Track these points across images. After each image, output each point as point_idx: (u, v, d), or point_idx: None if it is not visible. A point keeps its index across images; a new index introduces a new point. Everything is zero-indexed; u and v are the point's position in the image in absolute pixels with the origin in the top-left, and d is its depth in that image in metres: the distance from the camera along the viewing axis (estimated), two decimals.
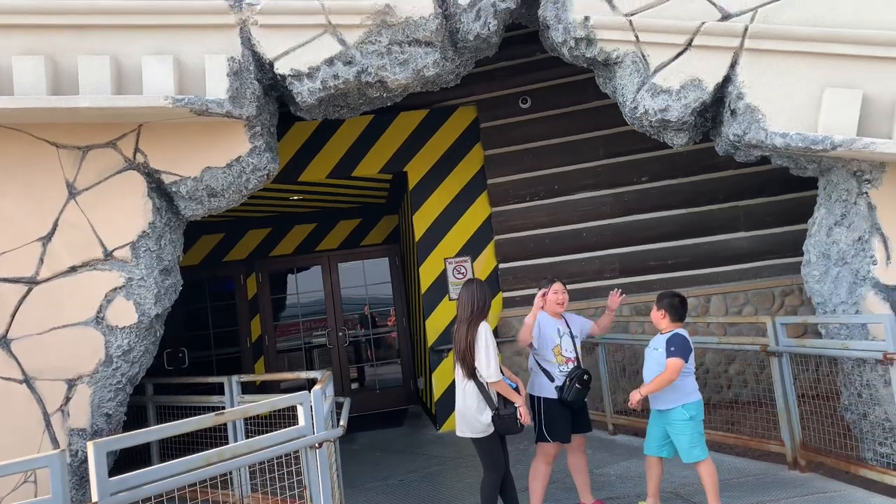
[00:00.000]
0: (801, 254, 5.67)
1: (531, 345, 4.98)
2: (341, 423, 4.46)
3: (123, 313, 5.41)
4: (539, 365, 5.00)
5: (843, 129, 4.83)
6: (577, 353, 5.03)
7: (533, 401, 4.96)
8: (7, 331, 5.27)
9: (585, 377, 4.91)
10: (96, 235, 5.43)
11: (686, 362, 4.70)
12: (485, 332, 4.56)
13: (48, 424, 5.28)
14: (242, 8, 5.31)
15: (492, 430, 4.55)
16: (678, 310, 4.87)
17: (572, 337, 5.06)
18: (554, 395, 4.90)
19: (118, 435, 3.46)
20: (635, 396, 4.75)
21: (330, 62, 5.40)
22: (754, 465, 5.92)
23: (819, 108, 4.96)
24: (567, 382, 4.87)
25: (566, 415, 4.93)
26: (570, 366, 4.97)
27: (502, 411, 4.51)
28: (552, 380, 4.93)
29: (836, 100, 4.87)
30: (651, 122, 5.42)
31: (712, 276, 8.31)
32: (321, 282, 11.64)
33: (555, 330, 5.01)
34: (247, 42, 5.36)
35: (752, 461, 6.03)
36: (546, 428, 4.92)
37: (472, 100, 8.92)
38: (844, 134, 4.81)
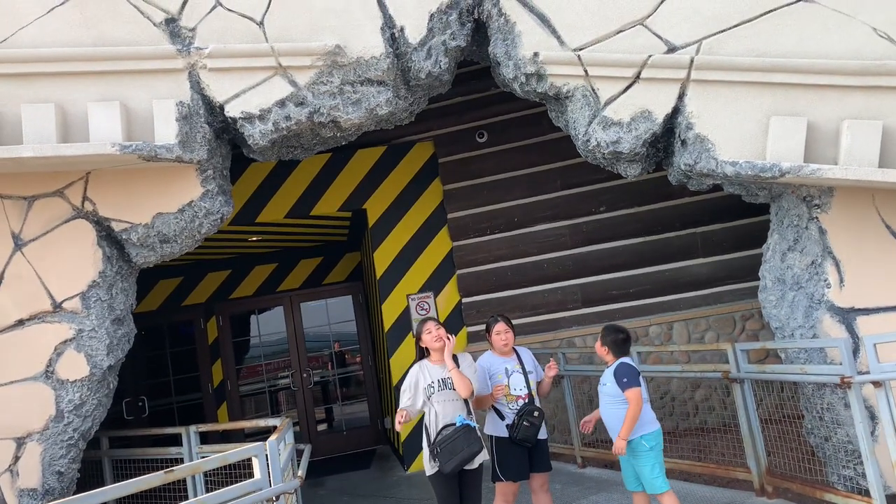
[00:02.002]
0: (759, 278, 5.72)
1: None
2: (299, 473, 4.33)
3: (74, 366, 5.25)
4: (492, 405, 4.95)
5: (791, 156, 4.91)
6: (529, 389, 4.96)
7: (489, 441, 4.89)
8: None
9: (535, 413, 4.83)
10: (44, 287, 5.27)
11: (639, 388, 4.68)
12: (409, 374, 4.73)
13: None
14: (190, 52, 5.26)
15: (434, 469, 4.49)
16: (620, 346, 4.87)
17: (524, 373, 5.00)
18: (505, 433, 4.84)
19: (66, 499, 3.31)
20: (619, 445, 4.65)
21: (281, 104, 5.36)
22: (722, 494, 5.89)
23: (767, 136, 5.04)
24: (516, 420, 4.81)
25: (520, 452, 4.86)
26: (521, 403, 4.90)
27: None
28: (503, 418, 4.87)
29: (782, 127, 4.96)
30: (604, 154, 5.47)
31: (674, 302, 8.36)
32: (284, 322, 11.47)
33: (502, 370, 4.96)
34: (196, 86, 5.30)
35: (720, 489, 6.01)
36: (499, 466, 4.85)
37: (429, 135, 8.94)
38: (791, 161, 4.89)
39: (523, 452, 4.87)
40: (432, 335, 4.73)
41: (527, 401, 4.92)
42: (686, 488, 6.09)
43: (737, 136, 5.11)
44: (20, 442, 5.14)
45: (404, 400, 4.67)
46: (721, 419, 7.29)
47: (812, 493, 5.22)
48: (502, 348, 5.04)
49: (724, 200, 8.01)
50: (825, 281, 5.16)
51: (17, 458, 5.12)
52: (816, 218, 5.20)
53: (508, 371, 4.96)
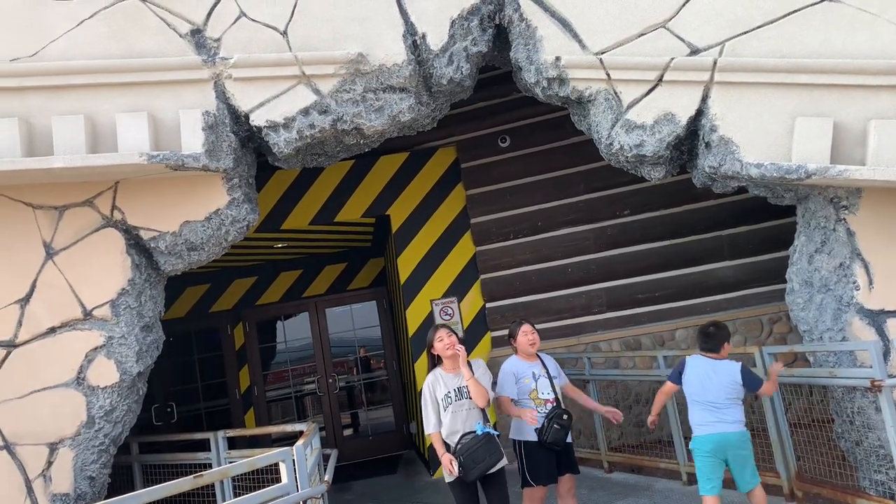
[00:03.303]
0: (785, 281, 5.66)
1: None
2: (326, 477, 4.37)
3: (105, 373, 5.33)
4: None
5: (817, 158, 4.86)
6: (555, 393, 4.96)
7: (514, 446, 4.87)
8: None
9: (565, 416, 4.83)
10: (75, 295, 5.37)
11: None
12: (425, 387, 4.70)
13: (30, 491, 5.16)
14: (216, 62, 5.34)
15: (452, 478, 4.49)
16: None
17: (550, 378, 4.99)
18: (534, 437, 4.83)
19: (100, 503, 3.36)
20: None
21: (305, 112, 5.42)
22: None
23: (792, 137, 5.00)
24: (546, 424, 4.79)
25: (549, 457, 4.85)
26: (549, 406, 4.89)
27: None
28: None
29: (807, 128, 4.91)
30: (627, 157, 5.45)
31: (700, 306, 8.29)
32: (309, 328, 11.55)
33: (529, 374, 4.95)
34: (221, 95, 5.37)
35: None
36: (529, 472, 4.83)
37: (451, 141, 8.97)
38: (818, 162, 4.84)
39: (551, 456, 4.86)
40: (444, 343, 4.68)
41: (554, 404, 4.91)
42: None
43: (762, 138, 5.07)
44: (53, 447, 5.23)
45: (432, 423, 4.61)
46: (749, 423, 7.19)
47: (843, 499, 5.14)
48: (529, 349, 5.03)
49: (750, 202, 7.93)
50: (854, 283, 5.09)
51: (49, 464, 5.21)
52: (844, 219, 5.14)
53: (535, 375, 4.95)
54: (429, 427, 4.63)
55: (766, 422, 5.72)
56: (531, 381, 4.93)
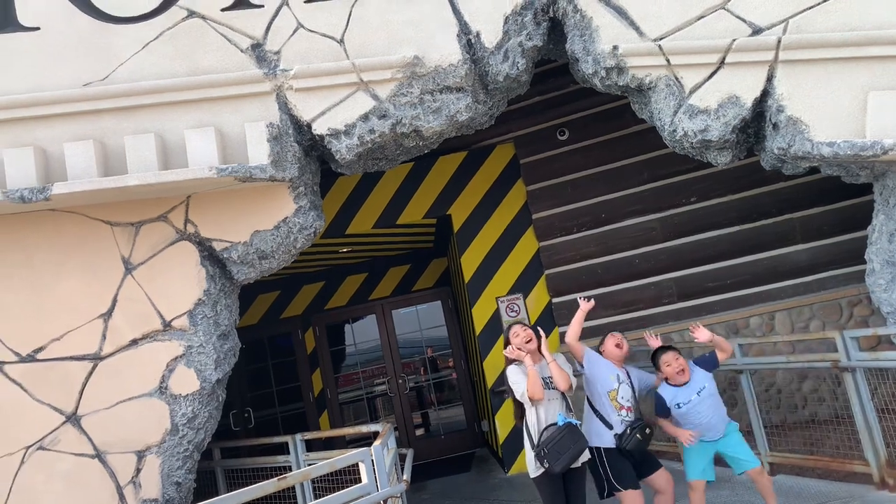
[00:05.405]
0: (864, 262, 5.47)
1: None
2: (404, 476, 4.42)
3: (185, 381, 5.51)
4: (594, 409, 4.88)
5: (893, 132, 4.67)
6: (635, 403, 4.90)
7: (594, 453, 4.79)
8: (77, 408, 5.40)
9: (648, 431, 4.78)
10: (154, 307, 5.56)
11: None
12: (510, 372, 4.69)
13: (121, 497, 5.37)
14: (277, 74, 5.46)
15: (540, 471, 4.46)
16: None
17: (632, 388, 4.94)
18: (612, 443, 4.76)
19: None
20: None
21: (365, 118, 5.49)
22: (839, 488, 5.64)
23: (865, 113, 4.82)
24: (628, 431, 4.74)
25: (629, 460, 4.79)
26: (626, 414, 4.82)
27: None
28: (610, 427, 4.78)
29: (881, 102, 4.73)
30: (692, 143, 5.35)
31: (774, 292, 8.05)
32: (377, 330, 11.70)
33: (613, 374, 4.89)
34: (283, 107, 5.49)
35: (836, 483, 5.75)
36: (615, 478, 4.74)
37: (509, 137, 8.94)
38: (895, 137, 4.65)
39: (631, 460, 4.81)
40: (521, 337, 4.71)
41: (633, 413, 4.87)
42: (798, 483, 5.87)
43: (832, 116, 4.91)
44: (140, 455, 5.44)
45: (521, 387, 4.61)
46: (832, 410, 6.97)
47: None
48: (616, 353, 5.02)
49: (822, 183, 7.67)
50: None
51: (138, 471, 5.41)
52: None
53: (620, 379, 4.90)
54: (520, 387, 4.59)
55: (851, 408, 5.53)
56: (615, 381, 4.88)
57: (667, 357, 4.99)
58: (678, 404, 4.89)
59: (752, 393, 6.32)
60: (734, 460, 5.01)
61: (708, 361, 5.07)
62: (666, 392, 4.97)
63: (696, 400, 4.86)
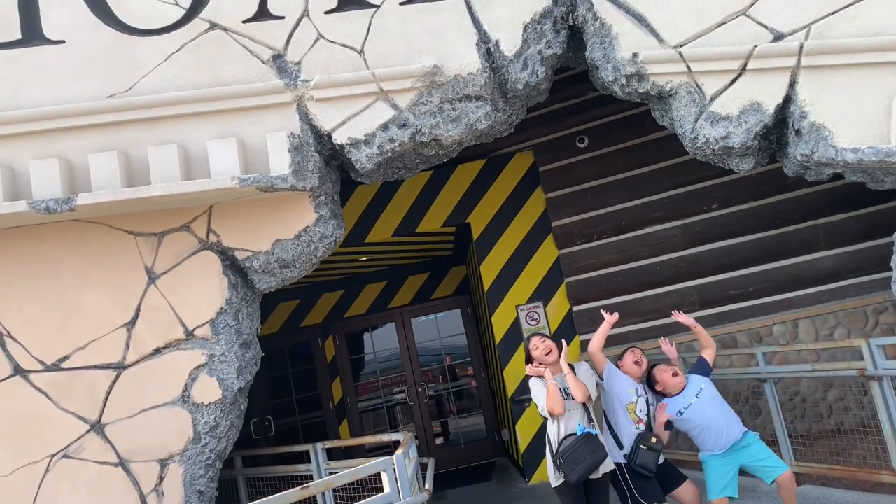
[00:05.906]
0: (889, 269, 5.39)
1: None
2: (426, 486, 4.41)
3: (208, 390, 5.53)
4: (608, 425, 4.87)
5: None
6: (649, 418, 4.89)
7: (619, 470, 4.79)
8: (101, 416, 5.45)
9: (653, 440, 4.77)
10: (177, 316, 5.60)
11: None
12: (532, 384, 4.72)
13: None
14: (297, 85, 5.49)
15: (560, 480, 4.44)
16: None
17: (648, 404, 4.95)
18: (622, 460, 4.77)
19: None
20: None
21: (385, 127, 5.51)
22: (866, 498, 5.56)
23: (889, 118, 4.76)
24: (633, 446, 4.76)
25: (651, 474, 4.76)
26: (642, 427, 4.84)
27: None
28: (620, 446, 4.79)
29: None
30: (714, 150, 5.31)
31: (797, 299, 7.97)
32: (396, 338, 11.71)
33: (633, 387, 4.89)
34: (304, 117, 5.52)
35: (864, 493, 5.67)
36: (638, 492, 4.72)
37: (528, 145, 8.94)
38: None
39: (651, 477, 4.78)
40: (540, 350, 4.74)
41: (646, 427, 4.87)
42: (825, 493, 5.79)
43: (856, 121, 4.85)
44: (163, 463, 5.47)
45: (542, 401, 4.66)
46: (859, 420, 6.87)
47: None
48: (635, 370, 5.04)
49: (846, 189, 7.59)
50: None
51: (161, 479, 5.44)
52: None
53: (638, 392, 4.91)
54: (541, 402, 4.65)
55: (878, 417, 5.45)
56: (634, 394, 4.88)
57: (656, 371, 5.13)
58: (680, 411, 4.90)
59: (776, 402, 6.26)
60: (762, 470, 4.95)
61: (700, 368, 5.11)
62: (669, 405, 5.00)
63: (696, 402, 4.88)
